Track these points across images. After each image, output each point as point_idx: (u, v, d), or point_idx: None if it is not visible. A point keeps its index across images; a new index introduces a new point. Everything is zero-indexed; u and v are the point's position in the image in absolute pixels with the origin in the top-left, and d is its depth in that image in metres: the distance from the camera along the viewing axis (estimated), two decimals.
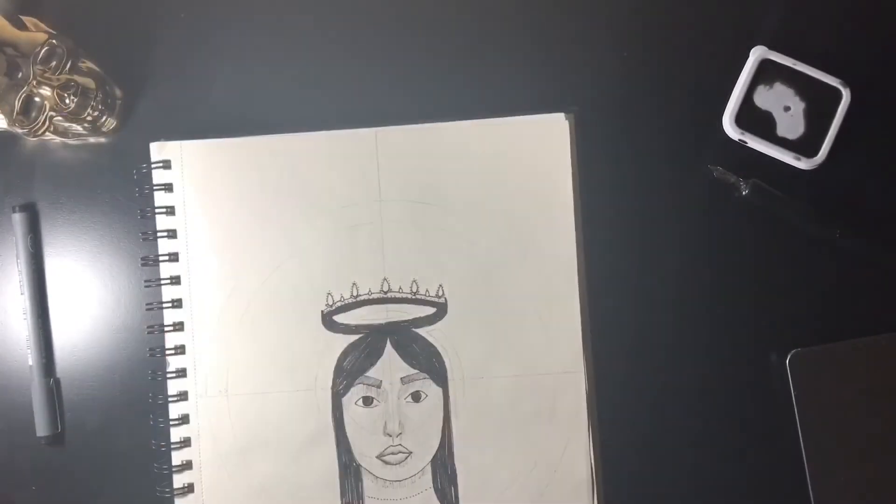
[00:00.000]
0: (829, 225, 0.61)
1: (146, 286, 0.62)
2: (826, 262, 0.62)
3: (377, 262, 0.61)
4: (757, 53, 0.61)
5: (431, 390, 0.61)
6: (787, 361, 0.60)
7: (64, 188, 0.63)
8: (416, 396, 0.61)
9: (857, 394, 0.60)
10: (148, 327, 0.61)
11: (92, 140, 0.63)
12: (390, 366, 0.61)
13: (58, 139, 0.63)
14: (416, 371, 0.61)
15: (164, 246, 0.62)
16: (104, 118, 0.62)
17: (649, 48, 0.63)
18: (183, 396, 0.61)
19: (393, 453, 0.61)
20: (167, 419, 0.61)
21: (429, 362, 0.61)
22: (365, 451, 0.61)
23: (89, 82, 0.61)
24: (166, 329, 0.61)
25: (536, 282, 0.61)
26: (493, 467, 0.61)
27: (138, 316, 0.62)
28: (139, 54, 0.63)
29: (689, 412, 0.61)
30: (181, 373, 0.61)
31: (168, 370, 0.61)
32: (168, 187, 0.62)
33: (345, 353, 0.61)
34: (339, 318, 0.61)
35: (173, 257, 0.61)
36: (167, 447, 0.61)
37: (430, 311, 0.61)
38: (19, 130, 0.59)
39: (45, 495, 0.62)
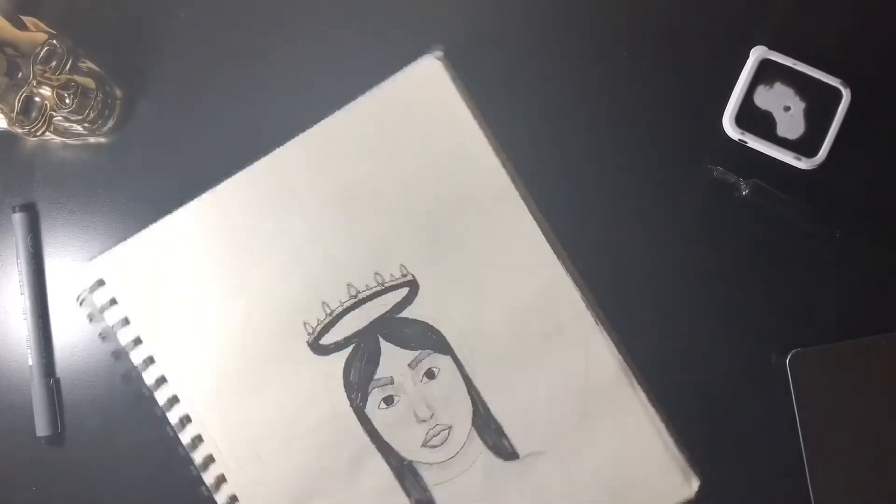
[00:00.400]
0: (829, 225, 0.61)
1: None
2: (826, 262, 0.62)
3: (334, 272, 0.61)
4: (757, 53, 0.61)
5: (441, 362, 0.60)
6: (787, 361, 0.60)
7: (64, 188, 0.63)
8: (429, 374, 0.60)
9: (857, 394, 0.60)
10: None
11: (92, 140, 0.63)
12: (392, 359, 0.61)
13: (58, 139, 0.63)
14: (417, 352, 0.61)
15: (137, 355, 0.61)
16: (104, 118, 0.62)
17: (649, 48, 0.63)
18: (221, 480, 0.60)
19: (435, 435, 0.60)
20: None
21: (425, 338, 0.61)
22: (408, 446, 0.60)
23: (89, 82, 0.61)
24: (177, 427, 0.61)
25: (480, 217, 0.61)
26: (531, 403, 0.60)
27: None
28: (139, 54, 0.63)
29: (688, 412, 0.61)
30: (209, 459, 0.60)
31: (197, 465, 0.60)
32: (112, 301, 0.61)
33: (346, 369, 0.60)
34: (325, 340, 0.61)
35: (148, 361, 0.61)
36: None
37: (404, 292, 0.61)
38: (19, 130, 0.59)
39: (45, 495, 0.62)
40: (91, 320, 0.62)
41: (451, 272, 0.61)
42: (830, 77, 0.61)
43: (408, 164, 0.61)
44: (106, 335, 0.62)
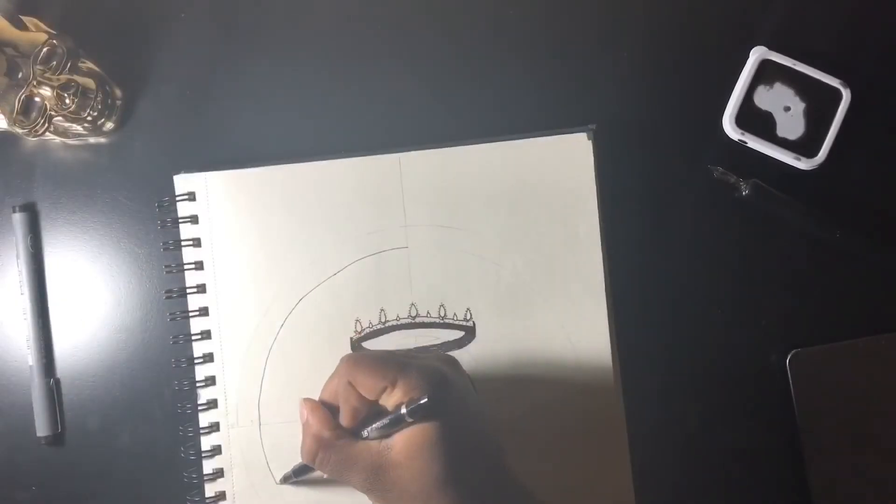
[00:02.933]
0: (829, 225, 0.61)
1: (171, 319, 0.62)
2: (826, 262, 0.62)
3: (404, 287, 0.61)
4: (757, 53, 0.61)
5: None
6: (787, 361, 0.60)
7: (64, 188, 0.63)
8: None
9: (857, 394, 0.60)
10: (175, 341, 0.61)
11: (92, 140, 0.63)
12: None
13: (58, 139, 0.63)
14: None
15: (192, 278, 0.62)
16: (104, 118, 0.62)
17: (649, 48, 0.63)
18: (214, 427, 0.61)
19: None
20: (198, 451, 0.61)
21: None
22: None
23: (89, 82, 0.61)
24: (196, 362, 0.61)
25: (564, 303, 0.61)
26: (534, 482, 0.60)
27: (138, 316, 0.62)
28: (139, 54, 0.63)
29: (688, 412, 0.61)
30: (212, 404, 0.61)
31: (199, 402, 0.61)
32: (193, 219, 0.62)
33: None
34: (368, 345, 0.61)
35: (201, 289, 0.61)
36: (199, 479, 0.60)
37: (459, 334, 0.61)
38: (19, 130, 0.59)
39: (45, 495, 0.62)
40: (160, 227, 0.62)
41: (512, 340, 0.61)
42: (830, 77, 0.61)
43: (516, 221, 0.61)
44: (168, 248, 0.62)
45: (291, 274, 0.61)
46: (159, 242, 0.62)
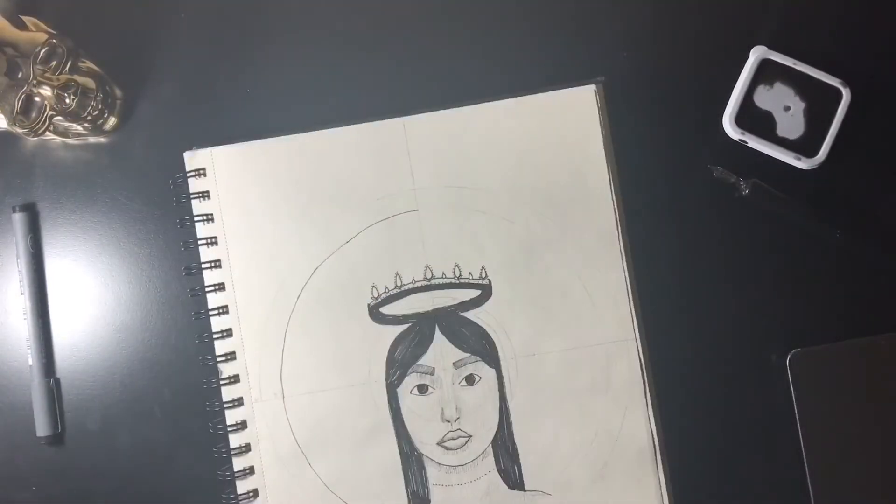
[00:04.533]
0: (829, 225, 0.61)
1: (192, 296, 0.62)
2: (826, 262, 0.62)
3: (417, 250, 0.61)
4: (757, 53, 0.61)
5: (484, 372, 0.61)
6: (787, 361, 0.60)
7: (64, 188, 0.63)
8: (469, 380, 0.61)
9: (857, 394, 0.60)
10: (196, 317, 0.61)
11: (92, 140, 0.63)
12: (441, 352, 0.61)
13: (58, 139, 0.63)
14: (467, 354, 0.61)
15: (206, 254, 0.62)
16: (104, 118, 0.62)
17: (649, 48, 0.63)
18: (238, 403, 0.61)
19: (453, 438, 0.60)
20: (225, 425, 0.61)
21: (479, 344, 0.61)
22: (425, 439, 0.61)
23: (89, 82, 0.61)
24: (215, 337, 0.61)
25: (578, 254, 0.61)
26: (554, 442, 0.60)
27: (138, 316, 0.62)
28: (139, 54, 0.63)
29: (688, 412, 0.61)
30: (234, 379, 0.61)
31: (221, 377, 0.61)
32: (205, 195, 0.62)
33: (395, 344, 0.61)
34: (386, 310, 0.61)
35: (216, 264, 0.61)
36: (227, 453, 0.60)
37: (475, 293, 0.61)
38: (19, 130, 0.59)
39: (45, 495, 0.62)
40: (175, 203, 0.62)
41: (528, 293, 0.61)
42: (830, 77, 0.61)
43: (525, 176, 0.61)
44: (183, 224, 0.62)
45: (304, 244, 0.61)
46: (173, 224, 0.62)
